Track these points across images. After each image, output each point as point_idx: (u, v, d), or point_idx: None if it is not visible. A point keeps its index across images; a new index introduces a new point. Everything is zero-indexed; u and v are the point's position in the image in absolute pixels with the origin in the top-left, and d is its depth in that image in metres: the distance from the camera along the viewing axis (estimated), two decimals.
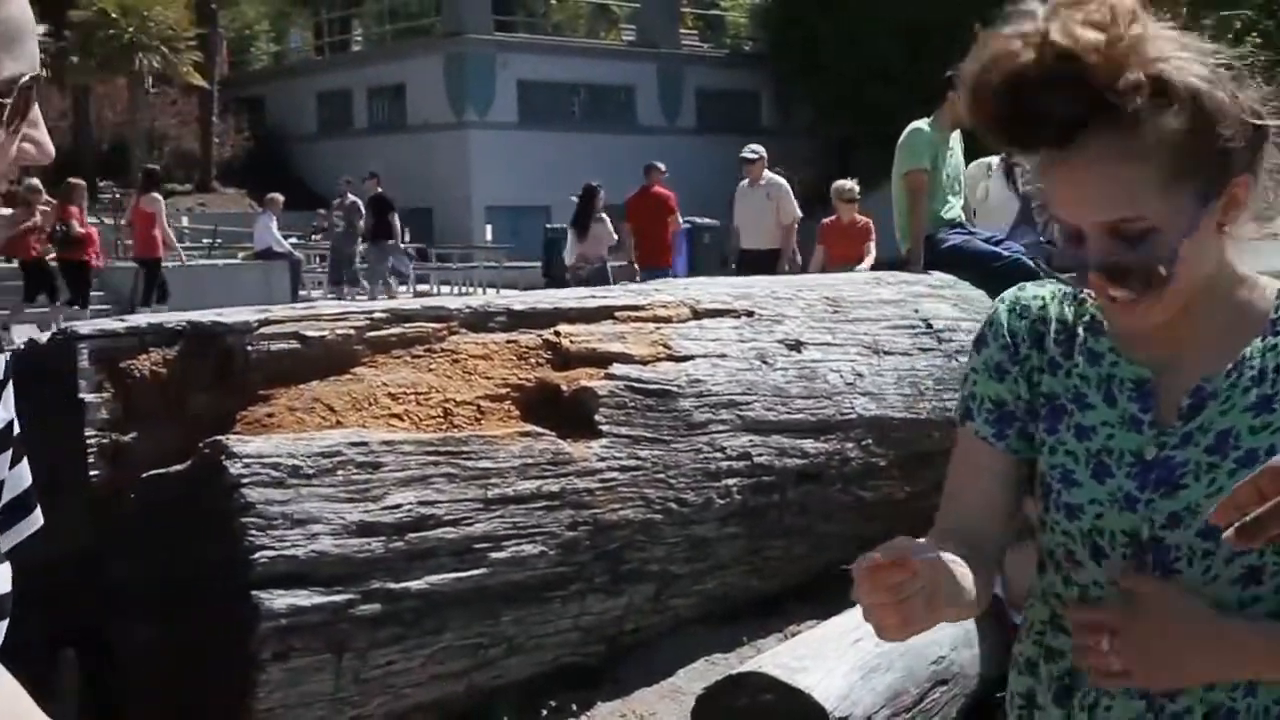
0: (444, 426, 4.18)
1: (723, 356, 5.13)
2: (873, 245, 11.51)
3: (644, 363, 4.83)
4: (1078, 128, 1.36)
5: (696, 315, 5.29)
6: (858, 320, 5.84)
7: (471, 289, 20.34)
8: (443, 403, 4.25)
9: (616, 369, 4.71)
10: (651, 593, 4.65)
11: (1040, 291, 1.59)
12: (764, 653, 4.14)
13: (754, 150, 12.95)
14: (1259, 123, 1.40)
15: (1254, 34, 37.16)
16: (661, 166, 14.87)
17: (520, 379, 4.50)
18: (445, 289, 20.90)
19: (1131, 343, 1.51)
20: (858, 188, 11.95)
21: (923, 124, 7.53)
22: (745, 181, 13.06)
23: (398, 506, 3.82)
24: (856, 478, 5.45)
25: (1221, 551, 1.41)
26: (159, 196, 17.65)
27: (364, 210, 19.85)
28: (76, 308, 15.27)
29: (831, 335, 5.64)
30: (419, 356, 4.40)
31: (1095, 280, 1.41)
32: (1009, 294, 1.60)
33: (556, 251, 21.03)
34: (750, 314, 5.47)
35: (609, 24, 40.11)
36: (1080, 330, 1.54)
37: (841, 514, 5.38)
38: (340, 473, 3.75)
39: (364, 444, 3.85)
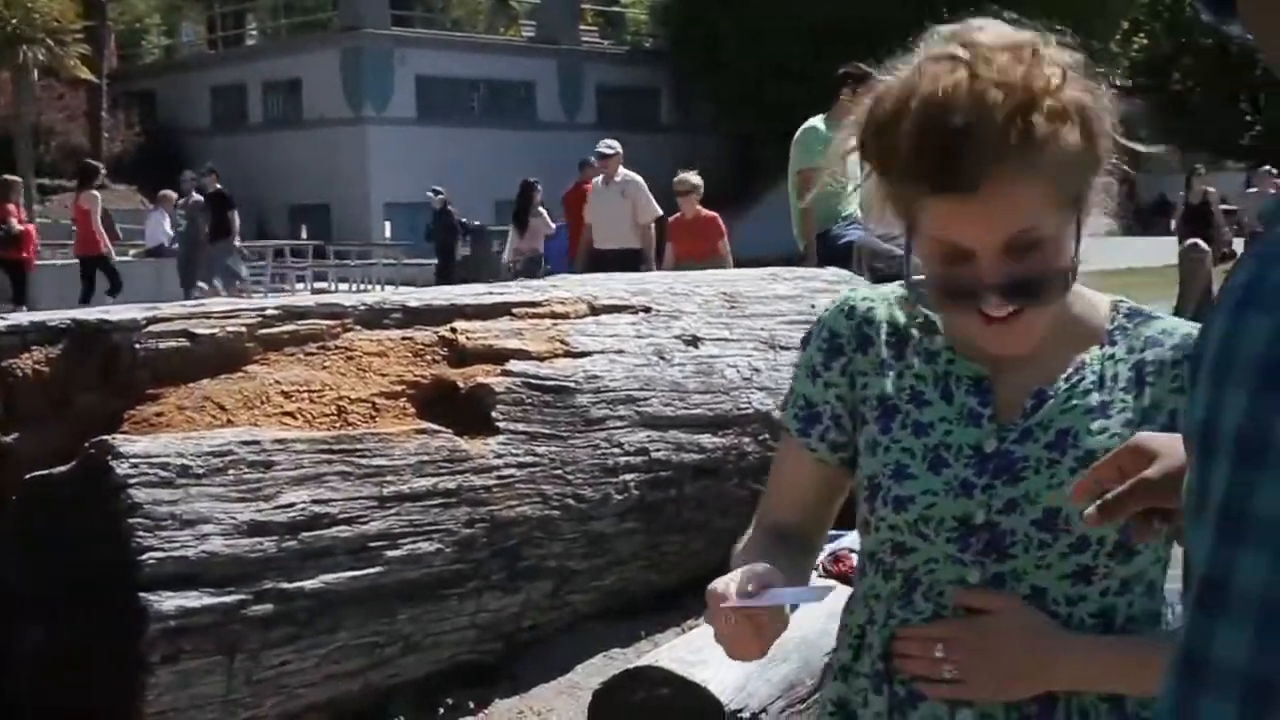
0: (338, 424, 4.14)
1: (620, 352, 5.14)
2: (725, 243, 11.19)
3: (541, 359, 4.83)
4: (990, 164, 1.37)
5: (594, 311, 5.29)
6: (754, 316, 5.88)
7: (370, 286, 20.16)
8: (337, 400, 4.20)
9: (513, 365, 4.69)
10: (549, 589, 4.65)
11: (870, 294, 1.59)
12: (661, 647, 4.15)
13: (609, 145, 12.33)
14: (1122, 140, 1.46)
15: (1140, 34, 38.03)
16: (594, 161, 14.68)
17: (416, 376, 4.47)
18: (344, 286, 20.70)
19: (968, 346, 1.51)
20: (698, 180, 11.47)
21: (818, 121, 7.59)
22: (599, 179, 12.41)
23: (291, 505, 3.77)
24: (754, 472, 5.48)
25: (1057, 545, 1.44)
26: (96, 194, 17.32)
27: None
28: (11, 307, 14.89)
29: (729, 331, 5.67)
30: (312, 354, 4.35)
31: (995, 300, 1.40)
32: (840, 296, 1.62)
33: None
34: (648, 310, 5.49)
35: (508, 20, 39.98)
36: (914, 331, 1.55)
37: (739, 509, 5.41)
38: (231, 472, 3.69)
39: (256, 443, 3.80)
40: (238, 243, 18.71)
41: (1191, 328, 1.51)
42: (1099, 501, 1.23)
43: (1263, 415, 0.70)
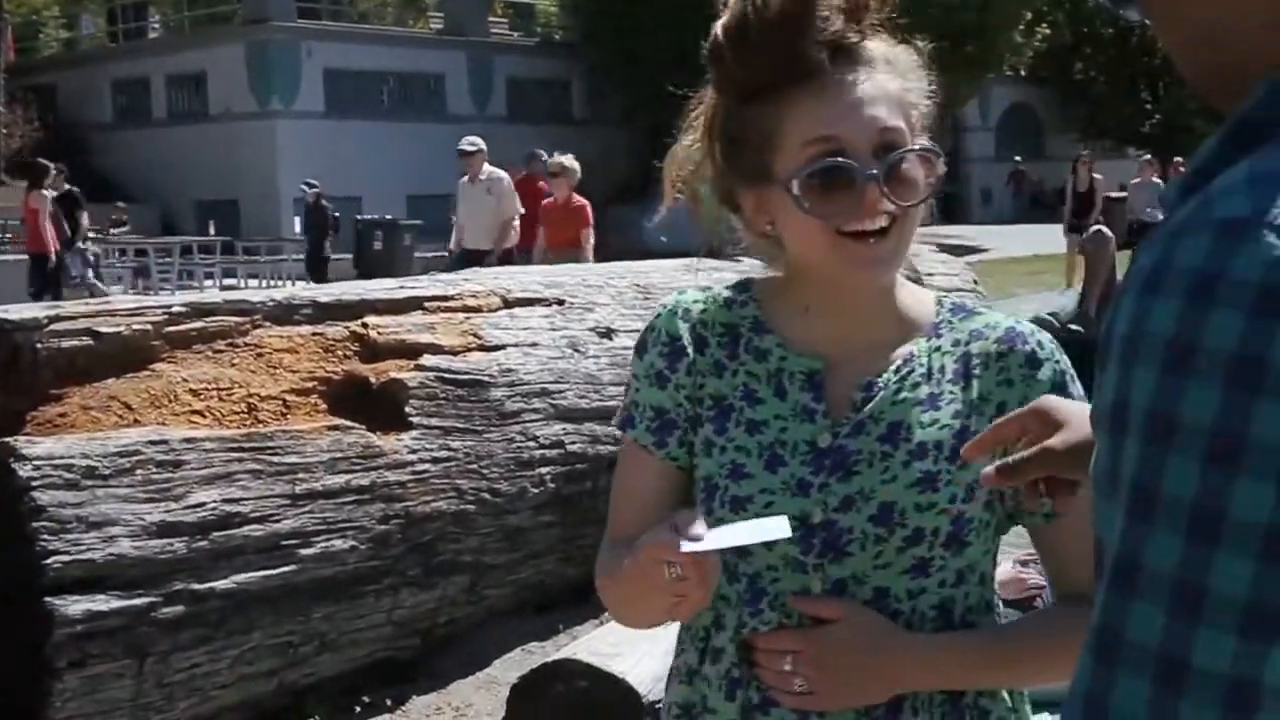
0: (248, 422, 4.08)
1: (534, 345, 5.13)
2: (589, 233, 10.87)
3: (454, 353, 4.80)
4: (845, 44, 1.44)
5: (507, 304, 5.27)
6: None
7: (280, 282, 19.92)
8: (246, 398, 4.15)
9: (427, 360, 4.66)
10: (466, 584, 4.62)
11: (700, 296, 1.59)
12: (579, 640, 4.15)
13: (471, 142, 11.97)
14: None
15: (1043, 24, 38.60)
16: (542, 154, 14.54)
17: (327, 372, 4.42)
18: (253, 282, 20.43)
19: (798, 343, 1.53)
20: (572, 163, 11.13)
21: None
22: (465, 178, 12.05)
23: (201, 505, 3.72)
24: None
25: (893, 540, 1.45)
26: (45, 193, 16.87)
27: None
28: None
29: (642, 322, 5.65)
30: (221, 351, 4.28)
31: (873, 193, 1.42)
32: (669, 300, 1.60)
33: (368, 243, 20.77)
34: (561, 302, 5.48)
35: (416, 12, 39.69)
36: (744, 331, 1.55)
37: None
38: (139, 472, 3.63)
39: (164, 442, 3.74)
40: (84, 245, 18.17)
41: (1012, 322, 1.55)
42: (1000, 463, 1.24)
43: (1171, 395, 0.71)
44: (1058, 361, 1.51)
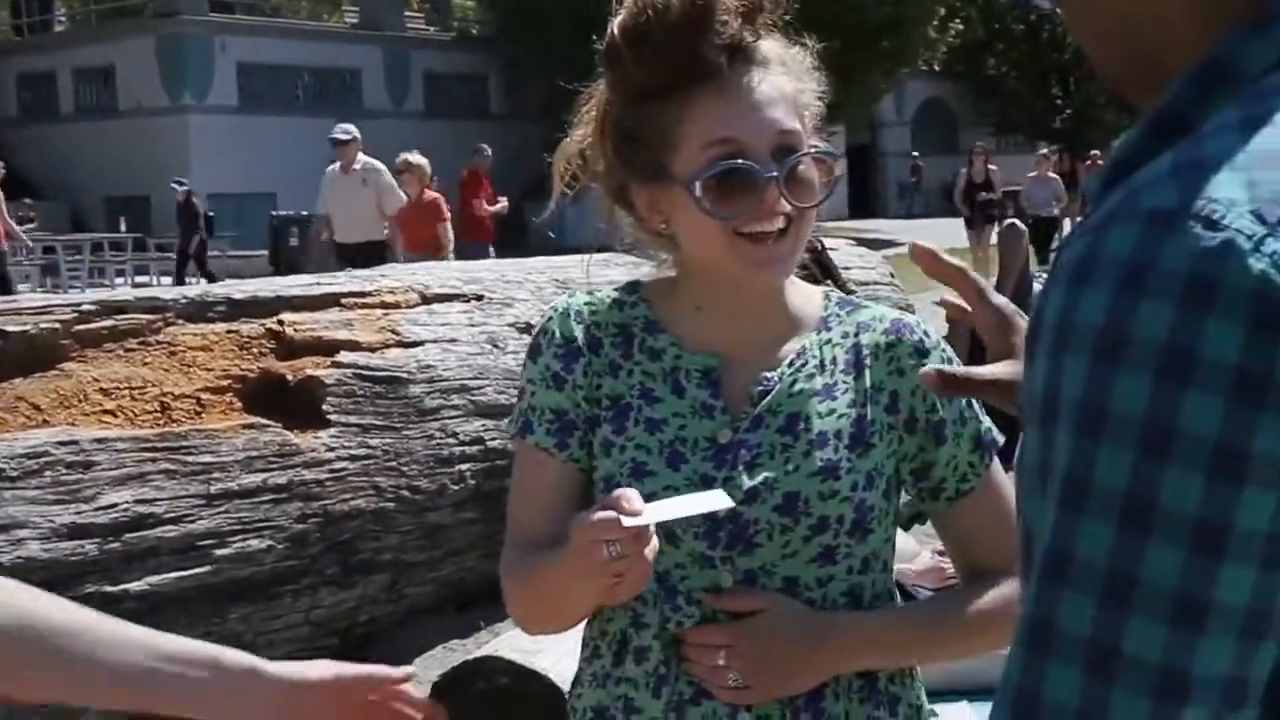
0: (161, 421, 4.02)
1: (453, 341, 5.09)
2: (445, 228, 10.45)
3: (372, 350, 4.75)
4: (742, 45, 1.45)
5: (425, 300, 5.23)
6: None
7: (193, 279, 19.63)
8: (159, 397, 4.08)
9: (344, 357, 4.62)
10: (386, 583, 4.59)
11: (592, 298, 1.59)
12: (501, 637, 4.13)
13: (345, 130, 11.46)
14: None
15: (956, 20, 39.03)
16: (486, 149, 14.61)
17: (242, 370, 4.37)
18: (166, 280, 20.12)
19: (692, 341, 1.54)
20: (419, 160, 10.70)
21: None
22: (336, 166, 11.52)
23: (113, 506, 3.65)
24: None
25: (799, 529, 1.47)
26: None
27: None
28: None
29: None
30: (133, 350, 4.21)
31: (773, 194, 1.43)
32: (559, 302, 1.60)
33: (283, 239, 20.54)
34: (480, 298, 5.45)
35: (332, 6, 39.30)
36: (637, 330, 1.56)
37: None
38: (48, 474, 3.56)
39: (74, 443, 3.67)
40: None
41: (896, 314, 1.58)
42: (946, 370, 1.25)
43: (1102, 386, 0.71)
44: (944, 350, 1.54)
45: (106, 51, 30.68)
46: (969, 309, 1.33)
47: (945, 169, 41.63)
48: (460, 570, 4.97)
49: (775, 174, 1.43)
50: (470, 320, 5.28)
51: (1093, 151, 26.49)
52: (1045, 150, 19.09)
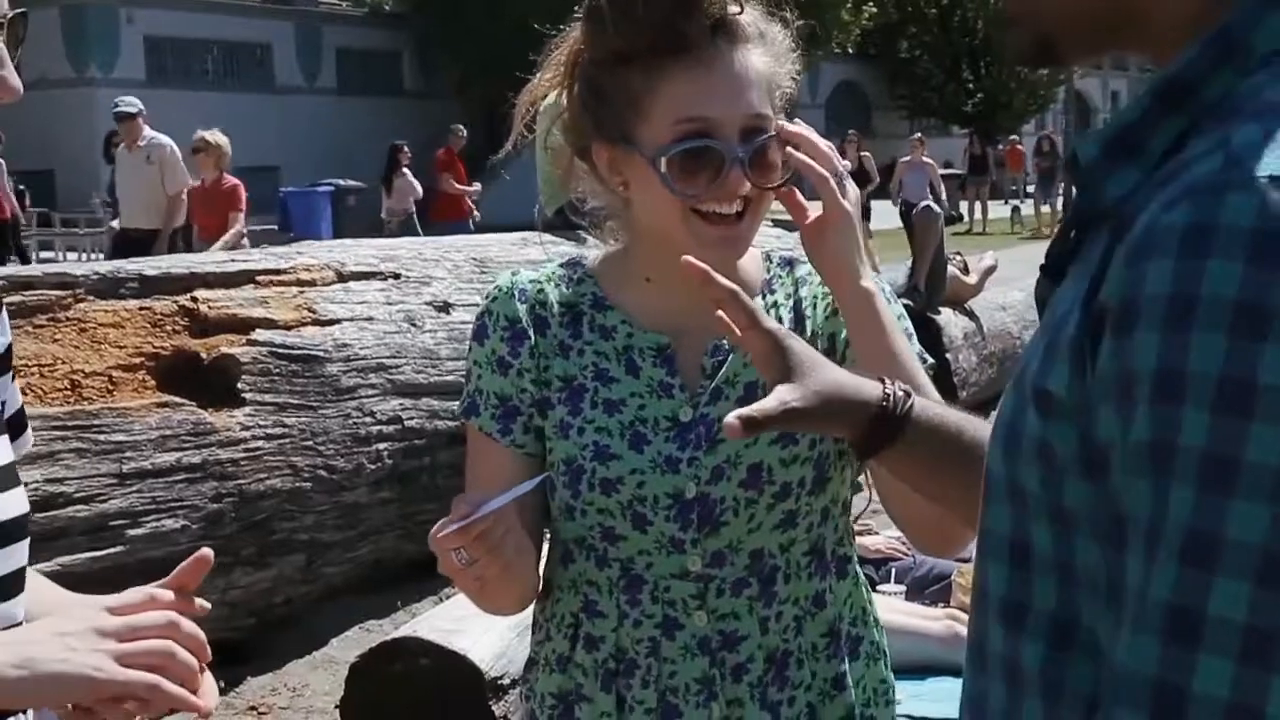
0: (72, 399, 3.94)
1: (370, 319, 5.05)
2: (238, 217, 9.70)
3: (288, 328, 4.70)
4: (726, 19, 1.43)
5: (342, 278, 5.18)
6: None
7: (100, 255, 19.28)
8: (70, 374, 4.01)
9: (259, 335, 4.56)
10: (302, 562, 4.55)
11: (535, 275, 1.57)
12: (419, 617, 4.11)
13: (130, 103, 10.53)
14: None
15: (870, 2, 39.33)
16: (461, 129, 14.78)
17: (155, 347, 4.30)
18: (72, 256, 19.73)
19: (642, 317, 1.53)
20: (217, 138, 10.00)
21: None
22: (122, 145, 10.59)
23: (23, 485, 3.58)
24: None
25: (763, 499, 1.47)
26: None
27: None
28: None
29: (479, 296, 5.61)
30: (42, 326, 4.13)
31: (736, 175, 1.42)
32: (503, 281, 1.56)
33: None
34: (397, 276, 5.41)
35: None
36: (585, 308, 1.54)
37: None
38: None
39: None
40: None
41: None
42: (743, 416, 1.19)
43: (1245, 360, 0.69)
44: (883, 289, 1.51)
45: None
46: (739, 333, 1.30)
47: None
48: (377, 550, 4.94)
49: (742, 155, 1.42)
50: (387, 299, 5.25)
51: (1011, 137, 26.75)
52: (919, 135, 18.40)
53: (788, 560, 1.50)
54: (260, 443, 4.35)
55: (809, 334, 1.52)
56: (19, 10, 1.20)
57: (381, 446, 4.83)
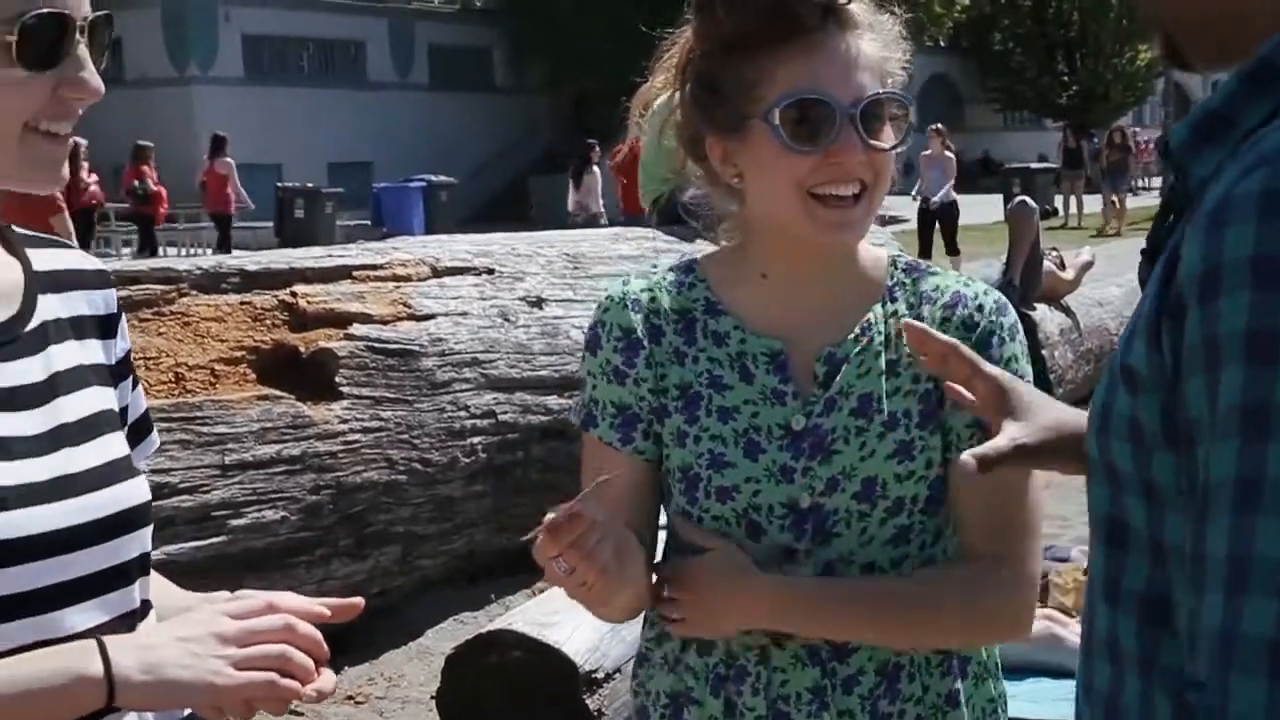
0: (176, 392, 4.02)
1: (464, 315, 5.10)
2: (65, 218, 9.09)
3: (384, 322, 4.76)
4: (836, 7, 1.44)
5: (436, 274, 5.23)
6: (598, 276, 5.87)
7: (199, 250, 19.65)
8: (174, 367, 4.09)
9: (356, 329, 4.62)
10: (398, 554, 4.60)
11: (647, 283, 1.56)
12: (512, 610, 4.14)
13: None
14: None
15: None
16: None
17: (256, 341, 4.37)
18: (172, 250, 20.12)
19: (754, 320, 1.52)
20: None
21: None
22: None
23: None
24: None
25: (875, 513, 1.46)
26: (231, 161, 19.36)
27: None
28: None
29: (572, 291, 5.66)
30: (147, 320, 4.22)
31: (849, 136, 1.41)
32: (614, 291, 1.56)
33: (289, 210, 20.53)
34: (491, 271, 5.45)
35: None
36: (698, 314, 1.53)
37: None
38: None
39: None
40: None
41: (959, 285, 1.54)
42: (982, 455, 1.23)
43: None
44: (992, 320, 1.50)
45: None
46: (964, 393, 1.32)
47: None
48: (471, 543, 4.99)
49: (853, 112, 1.41)
50: (481, 294, 5.29)
51: (1133, 129, 26.06)
52: (938, 125, 17.52)
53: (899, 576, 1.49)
54: (357, 436, 4.41)
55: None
56: (102, 13, 1.23)
57: (475, 440, 4.87)
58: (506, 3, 33.80)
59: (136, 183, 18.70)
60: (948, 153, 16.27)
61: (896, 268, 1.56)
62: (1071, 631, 3.34)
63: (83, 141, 16.10)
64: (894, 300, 1.53)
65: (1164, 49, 0.91)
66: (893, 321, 1.51)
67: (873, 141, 1.43)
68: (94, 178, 18.26)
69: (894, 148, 1.47)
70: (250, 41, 30.77)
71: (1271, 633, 0.71)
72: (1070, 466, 1.27)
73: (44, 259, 1.32)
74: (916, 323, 1.35)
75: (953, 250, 15.56)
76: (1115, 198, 23.89)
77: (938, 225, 15.89)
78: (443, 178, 23.30)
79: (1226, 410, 0.73)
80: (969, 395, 1.33)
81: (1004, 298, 1.55)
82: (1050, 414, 1.28)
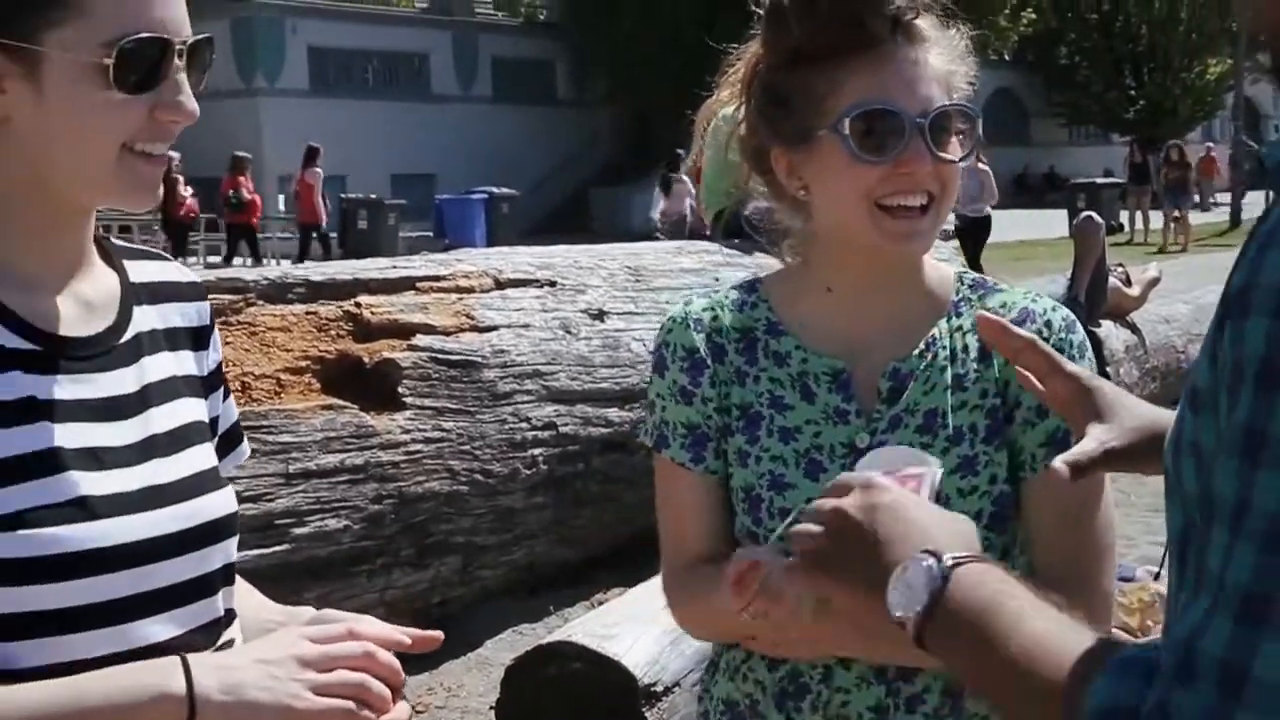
0: (242, 400, 4.07)
1: (526, 326, 5.12)
2: None
3: (447, 333, 4.79)
4: (904, 21, 1.44)
5: (499, 285, 5.26)
6: (659, 289, 5.88)
7: (265, 260, 19.85)
8: (240, 376, 4.13)
9: (419, 340, 4.65)
10: (458, 565, 4.62)
11: (709, 302, 1.57)
12: (571, 622, 4.15)
13: None
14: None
15: (1028, 8, 38.61)
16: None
17: (321, 351, 4.41)
18: (237, 260, 20.35)
19: (816, 338, 1.52)
20: None
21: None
22: None
23: None
24: None
25: None
26: (320, 171, 20.14)
27: None
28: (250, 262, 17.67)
29: (634, 304, 5.67)
30: None
31: (917, 146, 1.41)
32: (676, 312, 1.57)
33: (352, 221, 20.72)
34: (553, 284, 5.47)
35: None
36: (760, 334, 1.54)
37: (647, 482, 5.38)
38: None
39: None
40: None
41: (1027, 301, 1.53)
42: (1073, 461, 1.21)
43: None
44: (1061, 337, 1.49)
45: None
46: (1039, 385, 1.30)
47: (1015, 160, 41.23)
48: (531, 554, 5.00)
49: (921, 123, 1.41)
50: (543, 306, 5.31)
51: (1170, 143, 25.78)
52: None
53: None
54: (420, 446, 4.44)
55: (995, 373, 1.49)
56: (203, 36, 1.25)
57: (536, 452, 4.88)
58: (569, 16, 33.97)
59: (231, 192, 19.25)
60: (981, 165, 16.18)
61: (963, 283, 1.56)
62: None
63: (175, 155, 16.49)
64: (959, 315, 1.53)
65: (1271, 64, 0.89)
66: (958, 336, 1.51)
67: (940, 153, 1.43)
68: (189, 190, 18.85)
69: (962, 159, 1.47)
70: (316, 54, 31.11)
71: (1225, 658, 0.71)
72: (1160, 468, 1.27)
73: (140, 270, 1.34)
74: (992, 315, 1.34)
75: (974, 268, 15.48)
76: (1177, 214, 23.58)
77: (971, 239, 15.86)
78: (504, 190, 23.43)
79: (1233, 427, 0.74)
80: (1039, 385, 1.30)
81: (1071, 314, 1.54)
82: (1137, 414, 1.25)
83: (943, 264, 1.57)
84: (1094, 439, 1.22)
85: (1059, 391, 1.29)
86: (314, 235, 20.06)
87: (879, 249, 1.46)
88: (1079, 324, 1.54)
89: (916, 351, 1.50)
